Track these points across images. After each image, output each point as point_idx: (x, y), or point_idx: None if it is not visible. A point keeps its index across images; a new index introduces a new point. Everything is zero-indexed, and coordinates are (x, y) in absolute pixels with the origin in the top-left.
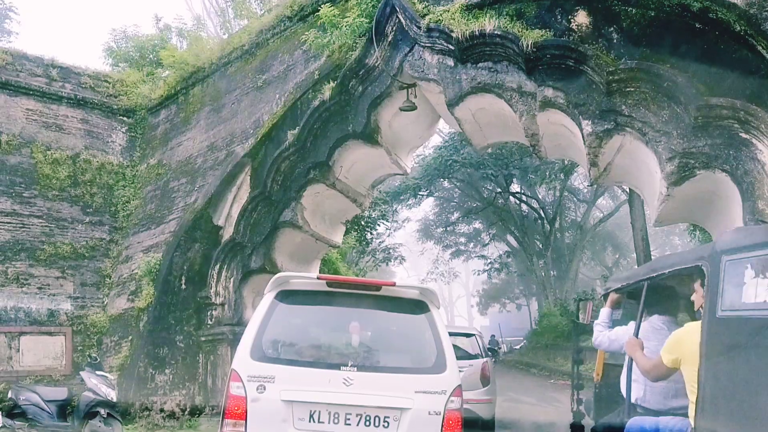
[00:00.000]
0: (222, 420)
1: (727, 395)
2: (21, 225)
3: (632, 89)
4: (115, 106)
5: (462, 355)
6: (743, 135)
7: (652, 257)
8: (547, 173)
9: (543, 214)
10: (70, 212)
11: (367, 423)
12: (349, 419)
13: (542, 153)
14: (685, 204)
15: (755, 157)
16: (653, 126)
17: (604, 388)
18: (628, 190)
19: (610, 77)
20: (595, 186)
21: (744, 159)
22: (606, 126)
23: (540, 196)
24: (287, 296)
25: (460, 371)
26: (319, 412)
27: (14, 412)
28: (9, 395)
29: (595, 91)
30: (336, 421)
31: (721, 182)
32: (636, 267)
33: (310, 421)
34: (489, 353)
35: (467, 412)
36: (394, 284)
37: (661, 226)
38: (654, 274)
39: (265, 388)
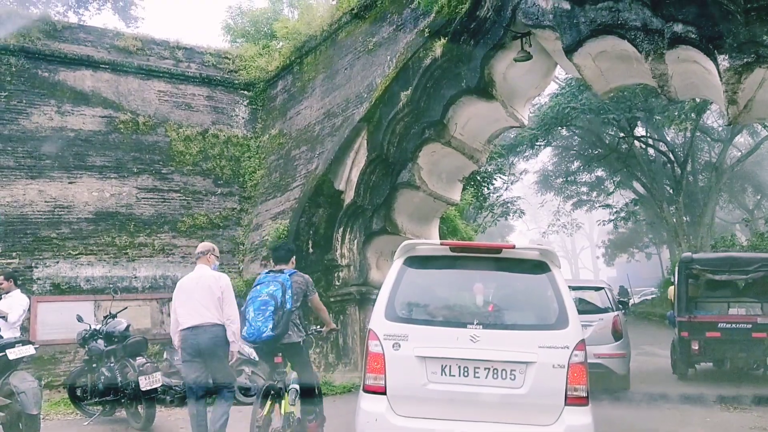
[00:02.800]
0: (364, 375)
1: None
2: (162, 200)
3: None
4: (236, 81)
5: (591, 309)
6: None
7: None
8: (676, 113)
9: (672, 157)
10: (203, 185)
11: (495, 375)
12: (477, 372)
13: (672, 94)
14: None
15: None
16: None
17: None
18: None
19: (748, 5)
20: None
21: None
22: (746, 59)
23: (668, 139)
24: (414, 262)
25: (589, 326)
26: (450, 366)
27: (170, 371)
28: (164, 356)
29: (731, 22)
30: (466, 374)
31: None
32: None
33: (442, 374)
34: (620, 306)
35: (600, 367)
36: (513, 247)
37: None
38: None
39: (400, 346)
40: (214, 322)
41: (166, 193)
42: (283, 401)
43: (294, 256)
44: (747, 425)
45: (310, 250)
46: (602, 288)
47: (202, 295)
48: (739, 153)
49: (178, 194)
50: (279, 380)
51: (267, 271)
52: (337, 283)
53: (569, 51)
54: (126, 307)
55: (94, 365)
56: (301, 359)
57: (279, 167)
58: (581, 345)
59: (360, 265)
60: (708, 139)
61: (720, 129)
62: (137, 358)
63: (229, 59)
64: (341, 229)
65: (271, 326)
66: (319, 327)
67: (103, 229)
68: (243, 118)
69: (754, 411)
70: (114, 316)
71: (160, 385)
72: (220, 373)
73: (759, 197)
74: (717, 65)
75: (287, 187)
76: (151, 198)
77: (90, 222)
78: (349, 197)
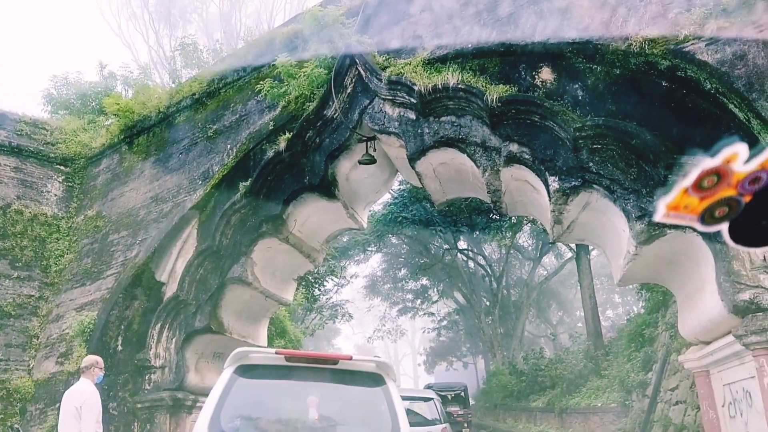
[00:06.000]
0: None
1: None
2: None
3: (599, 146)
4: (52, 155)
5: (420, 420)
6: None
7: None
8: (495, 231)
9: (490, 271)
10: None
11: None
12: None
13: (503, 209)
14: (652, 263)
15: None
16: (621, 183)
17: None
18: (574, 247)
19: (577, 134)
20: (540, 244)
21: None
22: (573, 183)
23: (486, 254)
24: (246, 371)
25: None
26: None
27: None
28: None
29: (562, 147)
30: None
31: (692, 242)
32: (583, 325)
33: None
34: (448, 417)
35: None
36: (350, 358)
37: (624, 285)
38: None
39: None
40: None
41: None
42: None
43: None
44: None
45: (119, 348)
46: (431, 399)
47: (64, 409)
48: (546, 272)
49: None
50: None
51: None
52: (147, 387)
53: (413, 159)
54: None
55: None
56: None
57: (92, 252)
58: None
59: (176, 366)
60: (520, 256)
61: (530, 248)
62: None
63: (47, 130)
64: (158, 325)
65: None
66: None
67: None
68: (56, 195)
69: None
70: None
71: None
72: None
73: (561, 313)
74: (547, 186)
75: (100, 275)
76: None
77: None
78: (171, 290)
